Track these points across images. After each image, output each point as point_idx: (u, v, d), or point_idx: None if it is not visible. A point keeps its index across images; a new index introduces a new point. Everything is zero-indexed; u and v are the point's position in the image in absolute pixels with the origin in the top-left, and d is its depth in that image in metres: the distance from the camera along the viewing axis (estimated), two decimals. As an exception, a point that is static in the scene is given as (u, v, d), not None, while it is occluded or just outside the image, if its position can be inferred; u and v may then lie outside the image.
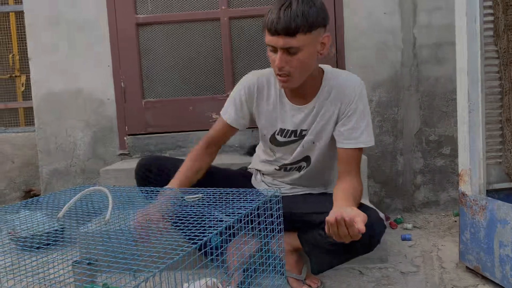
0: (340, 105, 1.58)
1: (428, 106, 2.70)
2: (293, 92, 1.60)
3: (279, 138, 1.67)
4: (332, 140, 1.64)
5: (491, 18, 1.81)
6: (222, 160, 2.36)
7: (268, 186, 1.81)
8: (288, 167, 1.74)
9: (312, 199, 1.74)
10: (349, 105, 1.57)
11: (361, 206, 1.50)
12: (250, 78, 1.66)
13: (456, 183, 2.49)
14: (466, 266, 1.83)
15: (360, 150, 1.60)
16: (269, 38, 1.42)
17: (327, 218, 1.24)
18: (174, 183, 1.54)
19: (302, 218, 1.63)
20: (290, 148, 1.70)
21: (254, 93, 1.64)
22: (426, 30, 2.66)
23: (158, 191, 1.42)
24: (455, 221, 2.50)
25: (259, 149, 1.88)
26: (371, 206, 1.84)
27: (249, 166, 1.96)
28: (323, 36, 1.46)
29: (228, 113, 1.68)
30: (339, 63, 2.69)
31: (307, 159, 1.72)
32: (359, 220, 1.18)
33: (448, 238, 2.27)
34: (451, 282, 1.74)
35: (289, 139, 1.67)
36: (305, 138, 1.66)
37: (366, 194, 2.32)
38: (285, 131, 1.65)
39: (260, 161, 1.85)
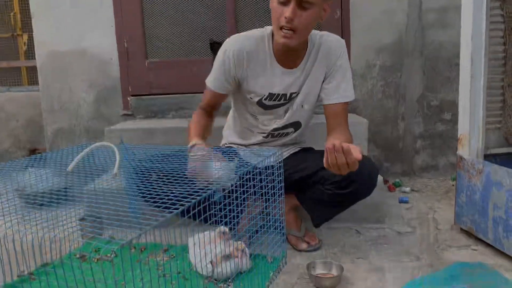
0: (327, 64, 1.64)
1: (431, 71, 2.69)
2: (284, 55, 1.60)
3: (266, 102, 1.67)
4: (315, 100, 1.71)
5: (498, -19, 1.78)
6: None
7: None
8: (276, 133, 1.76)
9: (301, 157, 1.77)
10: (335, 62, 1.63)
11: None
12: (236, 42, 1.60)
13: (455, 148, 2.53)
14: (461, 228, 1.89)
15: (347, 103, 1.67)
16: None
17: (326, 145, 1.26)
18: (196, 139, 1.52)
19: (299, 176, 1.68)
20: (275, 112, 1.71)
21: (244, 56, 1.59)
22: (433, -7, 2.62)
23: (166, 153, 1.45)
24: (453, 186, 2.55)
25: (233, 120, 1.86)
26: None
27: (223, 143, 1.93)
28: (327, 3, 1.51)
29: (215, 80, 1.65)
30: (344, 26, 2.67)
31: (296, 124, 1.75)
32: (356, 149, 1.24)
33: (444, 201, 2.32)
34: (445, 242, 1.80)
35: (277, 102, 1.68)
36: (295, 100, 1.69)
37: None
38: (275, 95, 1.65)
39: (238, 132, 1.83)
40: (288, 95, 1.67)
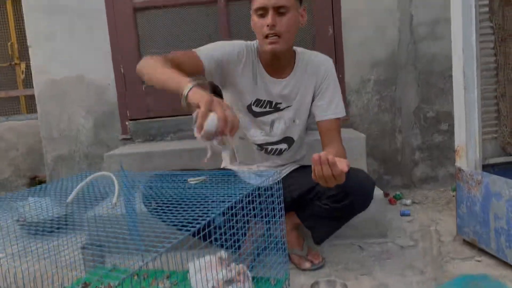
0: (316, 80, 1.70)
1: (425, 83, 2.72)
2: (271, 65, 1.67)
3: (254, 108, 1.70)
4: (307, 116, 1.75)
5: (485, -6, 1.82)
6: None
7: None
8: (269, 148, 1.77)
9: (299, 175, 1.78)
10: (324, 80, 1.70)
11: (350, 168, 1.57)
12: (242, 43, 1.68)
13: (454, 159, 2.53)
14: (463, 239, 1.88)
15: (339, 119, 1.70)
16: (260, 1, 1.52)
17: (313, 156, 1.28)
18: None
19: (297, 194, 1.69)
20: (262, 122, 1.72)
21: (242, 58, 1.65)
22: (423, 8, 2.66)
23: (161, 175, 1.45)
24: (453, 196, 2.55)
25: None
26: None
27: (223, 166, 1.91)
28: (302, 8, 1.60)
29: (207, 56, 1.58)
30: (337, 43, 2.70)
31: (288, 140, 1.77)
32: (342, 161, 1.27)
33: (446, 212, 2.32)
34: (449, 255, 1.80)
35: (264, 109, 1.71)
36: (285, 114, 1.71)
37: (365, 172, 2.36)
38: (261, 101, 1.69)
39: (236, 151, 1.82)
40: (273, 103, 1.70)
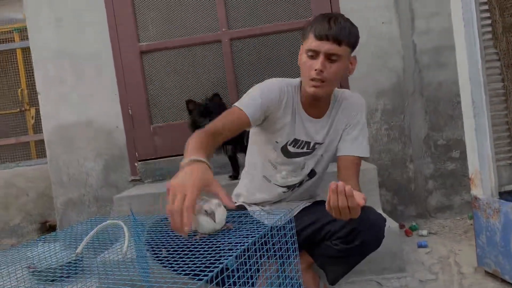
0: (347, 118, 1.68)
1: (433, 110, 2.70)
2: (310, 105, 1.64)
3: (290, 148, 1.66)
4: (334, 152, 1.71)
5: (488, 21, 1.82)
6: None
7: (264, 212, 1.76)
8: (295, 188, 1.74)
9: (310, 212, 1.73)
10: (355, 117, 1.67)
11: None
12: (276, 82, 1.63)
13: (469, 186, 2.48)
14: (485, 270, 1.82)
15: (360, 159, 1.66)
16: (315, 43, 1.49)
17: (330, 184, 1.23)
18: (196, 155, 1.28)
19: (308, 233, 1.65)
20: (295, 163, 1.69)
21: (284, 100, 1.60)
22: (426, 36, 2.68)
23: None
24: (471, 225, 2.49)
25: (251, 176, 1.79)
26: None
27: (235, 202, 1.84)
28: (352, 57, 1.59)
29: (251, 108, 1.53)
30: (341, 75, 2.71)
31: (312, 173, 1.74)
32: (360, 195, 1.23)
33: (464, 242, 2.25)
34: (471, 287, 1.73)
35: (301, 150, 1.68)
36: (317, 152, 1.69)
37: (378, 203, 2.32)
38: (299, 142, 1.66)
39: (257, 188, 1.77)
40: (312, 144, 1.67)
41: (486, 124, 1.77)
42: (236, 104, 1.57)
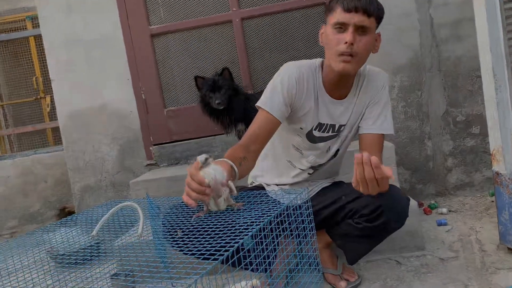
0: (370, 95, 1.61)
1: (452, 86, 2.63)
2: (334, 85, 1.57)
3: (315, 133, 1.61)
4: (357, 131, 1.65)
5: (510, -11, 1.74)
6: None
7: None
8: (320, 168, 1.70)
9: (331, 191, 1.70)
10: (377, 94, 1.61)
11: None
12: (299, 69, 1.56)
13: (489, 163, 2.41)
14: (508, 247, 1.78)
15: (382, 136, 1.60)
16: (344, 16, 1.42)
17: (355, 155, 1.18)
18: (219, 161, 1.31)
19: (329, 212, 1.62)
20: (321, 147, 1.65)
21: (304, 85, 1.55)
22: (443, 9, 2.59)
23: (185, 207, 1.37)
24: (492, 201, 2.43)
25: (271, 159, 1.74)
26: None
27: (253, 182, 1.82)
28: (377, 33, 1.52)
29: (275, 105, 1.52)
30: (356, 52, 2.65)
31: (336, 153, 1.70)
32: (387, 167, 1.17)
33: (485, 219, 2.20)
34: (493, 265, 1.69)
35: (326, 134, 1.63)
36: (341, 133, 1.64)
37: (397, 182, 2.29)
38: (324, 125, 1.61)
39: (278, 173, 1.73)
40: (336, 126, 1.62)
41: (508, 97, 1.71)
42: (261, 105, 1.53)
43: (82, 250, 1.80)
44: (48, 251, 1.92)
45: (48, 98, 4.81)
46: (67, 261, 1.69)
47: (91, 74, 2.83)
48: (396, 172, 2.31)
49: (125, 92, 2.83)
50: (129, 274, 1.62)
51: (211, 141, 2.77)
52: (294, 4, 2.70)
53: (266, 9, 2.72)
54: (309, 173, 1.70)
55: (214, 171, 1.20)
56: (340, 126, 1.62)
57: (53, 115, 4.72)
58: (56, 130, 4.40)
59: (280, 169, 1.73)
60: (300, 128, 1.61)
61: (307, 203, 1.27)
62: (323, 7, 2.67)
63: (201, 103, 2.34)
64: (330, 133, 1.62)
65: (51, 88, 2.92)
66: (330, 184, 1.77)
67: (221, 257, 0.89)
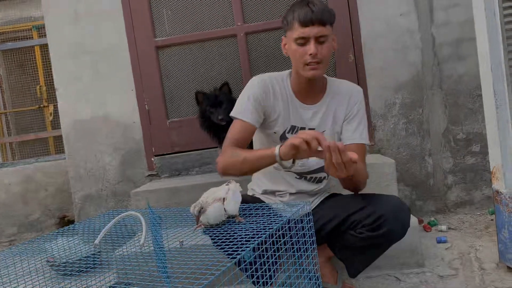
0: (347, 106, 1.72)
1: (453, 104, 2.65)
2: (304, 92, 1.70)
3: (288, 136, 1.69)
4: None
5: (511, 11, 1.77)
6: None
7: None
8: (309, 176, 1.73)
9: (331, 206, 1.71)
10: (354, 107, 1.72)
11: (381, 195, 1.63)
12: (262, 78, 1.71)
13: (489, 181, 2.42)
14: (507, 266, 1.78)
15: (364, 146, 1.71)
16: (302, 31, 1.55)
17: (326, 143, 1.33)
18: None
19: (331, 227, 1.63)
20: None
21: (270, 90, 1.68)
22: (445, 28, 2.63)
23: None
24: (492, 220, 2.43)
25: (261, 172, 1.75)
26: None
27: (254, 194, 1.86)
28: (333, 34, 1.64)
29: (247, 112, 1.66)
30: (358, 68, 2.68)
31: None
32: (354, 153, 1.32)
33: (485, 237, 2.21)
34: (493, 284, 1.69)
35: None
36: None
37: (397, 198, 2.29)
38: (296, 128, 1.70)
39: (269, 180, 1.78)
40: (306, 130, 1.68)
41: (508, 116, 1.73)
42: (234, 115, 1.68)
43: (84, 259, 1.79)
44: (48, 261, 1.92)
45: (51, 107, 4.84)
46: (68, 270, 1.69)
47: (96, 84, 2.86)
48: (397, 188, 2.32)
49: (129, 103, 2.85)
50: (129, 284, 1.62)
51: (213, 153, 2.78)
52: (298, 20, 2.74)
53: (270, 24, 2.75)
54: (297, 177, 1.73)
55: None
56: (310, 130, 1.68)
57: (55, 124, 4.75)
58: (58, 139, 4.42)
59: (272, 178, 1.77)
60: (274, 132, 1.71)
61: (308, 216, 1.28)
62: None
63: (200, 118, 2.38)
64: None
65: (55, 97, 2.94)
66: (327, 195, 1.79)
67: (217, 272, 0.89)
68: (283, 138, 1.70)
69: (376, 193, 1.67)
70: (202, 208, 1.30)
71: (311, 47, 1.55)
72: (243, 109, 1.67)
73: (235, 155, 1.57)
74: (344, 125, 1.72)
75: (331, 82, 1.75)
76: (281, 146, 1.44)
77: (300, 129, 1.69)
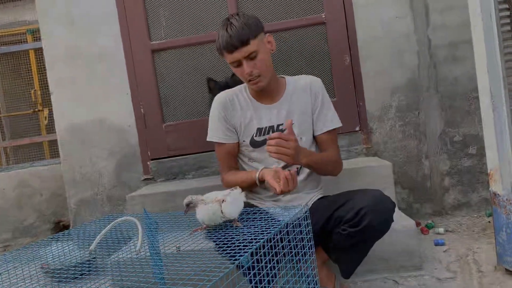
0: (310, 99, 1.80)
1: (449, 106, 2.65)
2: (262, 94, 1.78)
3: (257, 138, 1.78)
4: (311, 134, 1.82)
5: (507, 13, 1.78)
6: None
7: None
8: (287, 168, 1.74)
9: (319, 206, 1.74)
10: (317, 98, 1.80)
11: (365, 190, 1.68)
12: (219, 96, 1.83)
13: (486, 183, 2.41)
14: (506, 269, 1.77)
15: (335, 130, 1.81)
16: (231, 56, 1.64)
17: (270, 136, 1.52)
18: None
19: (317, 226, 1.63)
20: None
21: (229, 105, 1.79)
22: (441, 30, 2.63)
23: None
24: (489, 222, 2.43)
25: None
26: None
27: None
28: (266, 37, 1.70)
29: (219, 133, 1.80)
30: (354, 71, 2.67)
31: None
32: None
33: (483, 240, 2.20)
34: (491, 286, 1.69)
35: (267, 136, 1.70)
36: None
37: (394, 201, 2.28)
38: (263, 129, 1.77)
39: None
40: (275, 127, 1.78)
41: (505, 118, 1.73)
42: (210, 139, 1.83)
43: (77, 265, 1.77)
44: (42, 267, 1.90)
45: (46, 111, 4.81)
46: (62, 276, 1.67)
47: (91, 88, 2.84)
48: (394, 190, 2.32)
49: (124, 107, 2.83)
50: (124, 290, 1.60)
51: (209, 156, 2.76)
52: (294, 23, 2.73)
53: (267, 27, 2.73)
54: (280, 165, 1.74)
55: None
56: (278, 125, 1.78)
57: (50, 128, 4.72)
58: (53, 143, 4.39)
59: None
60: (243, 141, 1.80)
61: (306, 220, 1.27)
62: (321, 26, 2.70)
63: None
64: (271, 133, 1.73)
65: (49, 101, 2.92)
66: (319, 198, 1.81)
67: (215, 279, 0.88)
68: (253, 143, 1.78)
69: (362, 188, 1.70)
70: (192, 203, 1.31)
71: (244, 68, 1.63)
72: (214, 132, 1.81)
73: (234, 179, 1.76)
74: (315, 117, 1.80)
75: (290, 79, 1.84)
76: (258, 174, 1.63)
77: (269, 128, 1.76)
